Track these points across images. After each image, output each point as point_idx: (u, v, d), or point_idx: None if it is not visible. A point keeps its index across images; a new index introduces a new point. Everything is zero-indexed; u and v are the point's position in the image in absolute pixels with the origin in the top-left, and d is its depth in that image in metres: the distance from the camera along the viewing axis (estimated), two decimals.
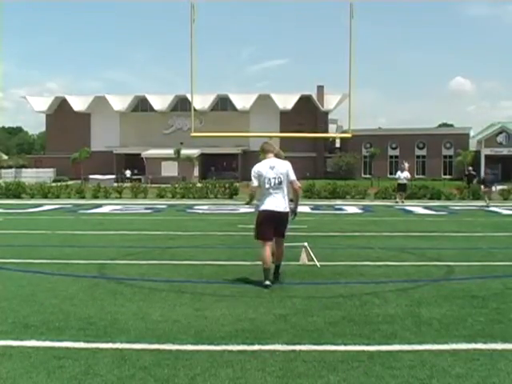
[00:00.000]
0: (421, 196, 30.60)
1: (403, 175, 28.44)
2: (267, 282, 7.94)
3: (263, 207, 8.14)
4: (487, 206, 24.94)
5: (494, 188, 30.38)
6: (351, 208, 24.23)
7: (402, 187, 28.52)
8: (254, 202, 8.46)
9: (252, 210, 8.72)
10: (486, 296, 7.41)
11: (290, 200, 8.37)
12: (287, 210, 8.20)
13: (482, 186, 27.81)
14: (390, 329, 5.91)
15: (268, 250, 8.13)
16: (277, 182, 8.06)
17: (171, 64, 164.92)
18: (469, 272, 9.29)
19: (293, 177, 8.23)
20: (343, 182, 34.45)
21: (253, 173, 8.25)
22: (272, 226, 8.09)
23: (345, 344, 5.41)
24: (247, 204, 8.78)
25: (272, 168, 8.11)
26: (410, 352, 5.21)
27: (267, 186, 8.06)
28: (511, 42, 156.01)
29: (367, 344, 5.41)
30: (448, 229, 16.14)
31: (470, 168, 44.47)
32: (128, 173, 68.27)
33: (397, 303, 7.03)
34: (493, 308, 6.80)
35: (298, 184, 8.34)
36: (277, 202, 8.07)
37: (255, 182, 8.21)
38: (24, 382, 4.53)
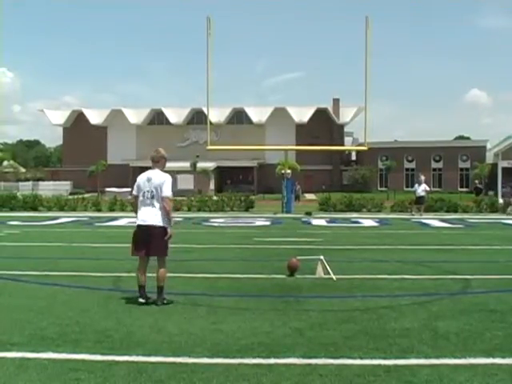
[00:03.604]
0: (437, 209, 30.37)
1: (421, 188, 28.27)
2: (139, 300, 7.68)
3: (137, 222, 7.88)
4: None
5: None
6: (367, 221, 24.13)
7: (419, 200, 28.35)
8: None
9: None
10: (503, 310, 7.34)
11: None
12: (159, 224, 7.68)
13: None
14: (407, 343, 5.87)
15: (139, 265, 7.86)
16: (149, 195, 7.73)
17: (188, 77, 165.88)
18: (486, 286, 9.21)
19: (166, 193, 7.72)
20: (359, 195, 34.33)
21: (136, 182, 8.02)
22: (141, 240, 7.74)
23: (361, 358, 5.38)
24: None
25: (149, 180, 7.80)
26: (428, 366, 5.17)
27: (141, 198, 7.79)
28: None
29: (384, 358, 5.38)
30: (465, 242, 16.04)
31: (476, 181, 45.43)
32: None
33: (413, 317, 6.98)
34: (511, 322, 6.73)
35: (166, 202, 7.71)
36: (146, 216, 7.72)
37: (134, 191, 7.98)
38: None
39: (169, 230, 7.76)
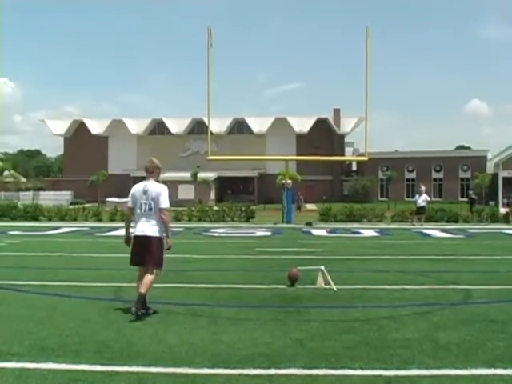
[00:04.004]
0: (438, 219, 30.36)
1: (421, 198, 28.22)
2: (140, 310, 7.50)
3: (134, 233, 7.83)
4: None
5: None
6: (368, 231, 24.11)
7: (420, 210, 28.30)
8: (132, 224, 8.05)
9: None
10: (505, 320, 7.33)
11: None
12: (156, 234, 7.66)
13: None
14: (408, 353, 5.86)
15: (139, 275, 7.79)
16: (147, 208, 7.70)
17: (188, 87, 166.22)
18: (487, 296, 9.19)
19: (163, 204, 7.69)
20: (360, 205, 34.32)
21: (130, 193, 7.96)
22: (139, 251, 7.72)
23: (362, 368, 5.37)
24: (126, 233, 8.15)
25: (145, 192, 7.74)
26: (428, 377, 5.16)
27: (138, 211, 7.77)
28: None
29: (385, 368, 5.36)
30: (465, 252, 16.00)
31: (471, 192, 46.26)
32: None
33: (414, 327, 6.97)
34: None
35: (164, 213, 7.70)
36: (144, 227, 7.70)
37: (129, 203, 7.95)
38: None
39: (169, 241, 7.75)
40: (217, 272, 12.00)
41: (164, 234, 7.81)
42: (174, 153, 76.73)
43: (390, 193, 71.16)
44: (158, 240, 7.71)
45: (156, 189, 7.78)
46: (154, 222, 7.72)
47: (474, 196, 45.27)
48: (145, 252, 7.69)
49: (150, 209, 7.72)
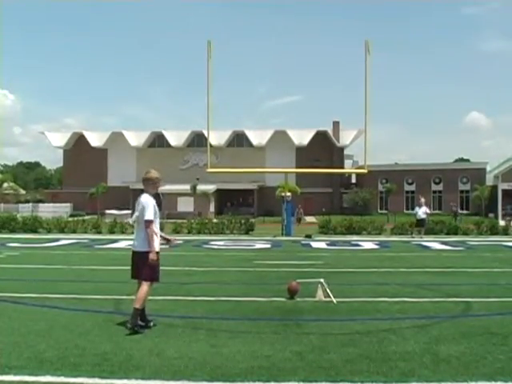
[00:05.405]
0: (437, 231, 30.38)
1: (421, 210, 28.24)
2: (139, 323, 7.48)
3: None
4: None
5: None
6: (367, 244, 24.08)
7: (419, 222, 28.31)
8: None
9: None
10: (505, 333, 7.30)
11: None
12: (141, 249, 7.58)
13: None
14: (408, 366, 5.84)
15: (137, 288, 7.72)
16: (136, 220, 7.79)
17: (188, 100, 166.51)
18: (487, 308, 9.16)
19: (145, 217, 7.58)
20: (359, 218, 34.35)
21: None
22: (132, 265, 7.75)
23: (362, 382, 5.35)
24: None
25: (138, 204, 7.83)
26: None
27: (132, 223, 7.90)
28: None
29: (384, 382, 5.34)
30: (465, 264, 15.98)
31: (452, 203, 47.24)
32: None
33: (414, 340, 6.95)
34: None
35: (146, 225, 7.55)
36: (134, 241, 7.77)
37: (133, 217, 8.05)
38: None
39: (151, 255, 7.53)
40: (216, 285, 11.97)
41: (157, 247, 7.77)
42: (174, 165, 76.87)
43: (389, 205, 71.26)
44: (143, 254, 7.59)
45: (142, 201, 7.78)
46: (141, 235, 7.71)
47: (455, 208, 46.48)
48: (135, 266, 7.70)
49: (139, 221, 7.76)
